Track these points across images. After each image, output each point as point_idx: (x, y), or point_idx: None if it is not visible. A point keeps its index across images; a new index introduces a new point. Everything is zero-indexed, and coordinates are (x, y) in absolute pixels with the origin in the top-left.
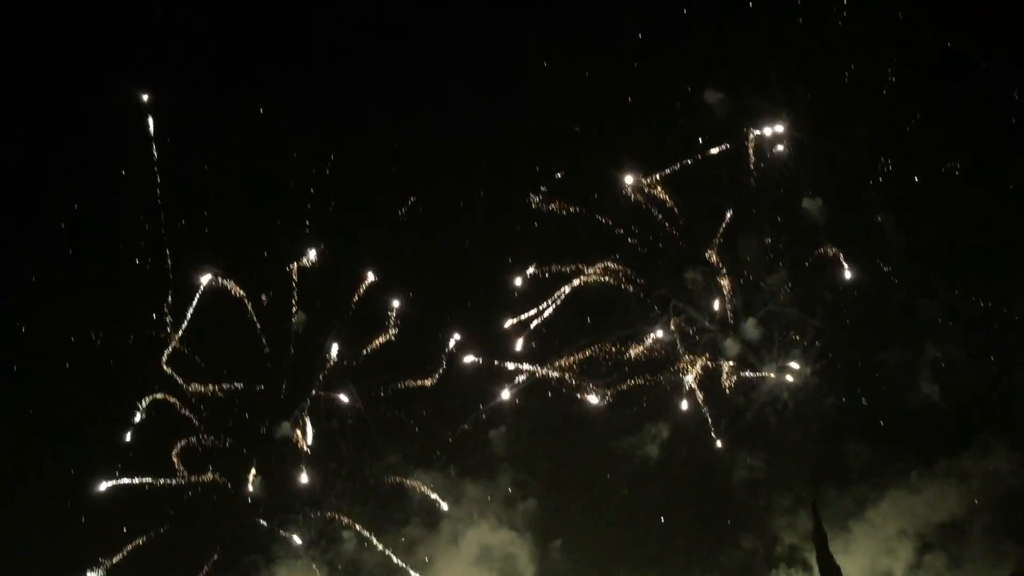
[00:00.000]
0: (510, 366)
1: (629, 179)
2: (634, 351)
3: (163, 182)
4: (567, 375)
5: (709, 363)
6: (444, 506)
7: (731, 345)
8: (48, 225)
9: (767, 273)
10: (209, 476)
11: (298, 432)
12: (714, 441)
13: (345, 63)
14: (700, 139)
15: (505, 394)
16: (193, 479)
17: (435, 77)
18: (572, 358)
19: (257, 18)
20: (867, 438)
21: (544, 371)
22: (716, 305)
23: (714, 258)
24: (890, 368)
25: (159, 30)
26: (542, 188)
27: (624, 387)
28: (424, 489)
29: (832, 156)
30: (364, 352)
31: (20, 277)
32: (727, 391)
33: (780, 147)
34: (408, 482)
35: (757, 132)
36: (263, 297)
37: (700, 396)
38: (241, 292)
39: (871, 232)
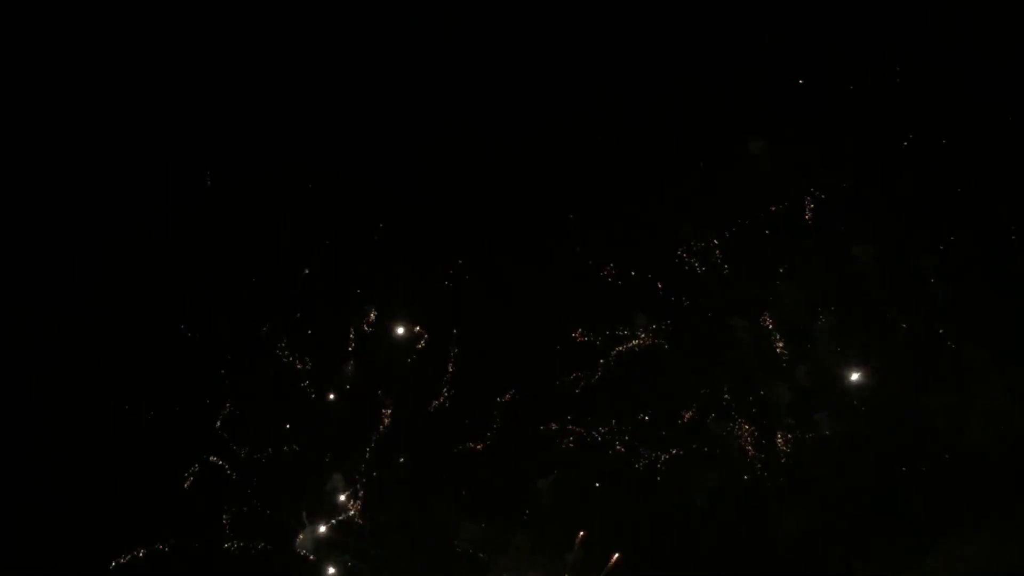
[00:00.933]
0: (556, 426)
1: (680, 241)
2: (686, 414)
3: (221, 251)
4: (616, 441)
5: (763, 421)
6: (489, 557)
7: (782, 393)
8: (100, 297)
9: (817, 321)
10: (261, 543)
11: (351, 497)
12: (764, 490)
13: (393, 129)
14: (753, 197)
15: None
16: (242, 544)
17: (482, 138)
18: (622, 422)
19: (307, 87)
20: (919, 487)
21: (593, 435)
22: (765, 354)
23: (766, 314)
24: (941, 415)
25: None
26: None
27: (676, 451)
28: (470, 540)
29: (884, 209)
30: (418, 415)
31: (73, 346)
32: (779, 442)
33: (833, 203)
34: (454, 533)
35: (813, 190)
36: (306, 360)
37: (751, 448)
38: (295, 354)
39: (920, 280)
